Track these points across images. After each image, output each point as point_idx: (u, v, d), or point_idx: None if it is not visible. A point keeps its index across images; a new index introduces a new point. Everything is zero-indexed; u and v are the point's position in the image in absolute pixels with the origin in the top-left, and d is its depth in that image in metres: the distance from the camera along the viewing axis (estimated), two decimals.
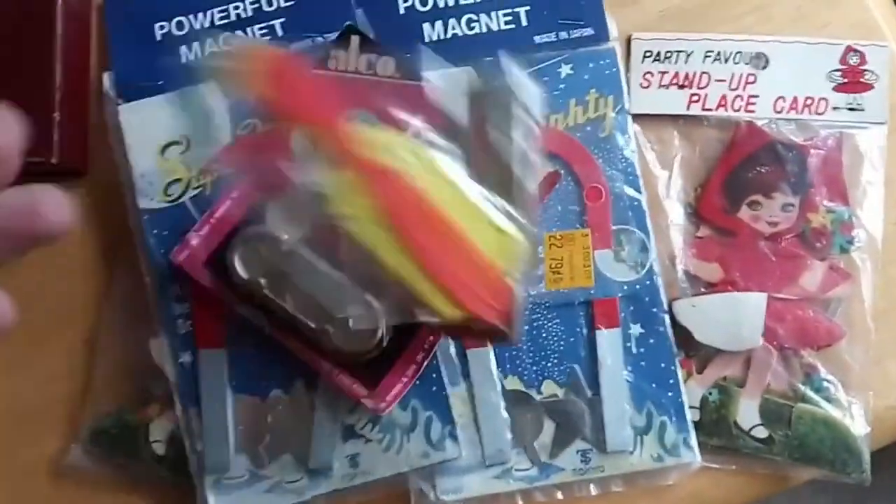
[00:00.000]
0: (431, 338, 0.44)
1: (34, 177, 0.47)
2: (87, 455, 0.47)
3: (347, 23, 0.47)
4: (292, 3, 0.48)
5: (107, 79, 0.48)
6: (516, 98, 0.39)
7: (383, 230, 0.36)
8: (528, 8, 0.48)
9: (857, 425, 0.45)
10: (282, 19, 0.48)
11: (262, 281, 0.42)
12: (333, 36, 0.47)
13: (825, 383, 0.46)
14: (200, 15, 0.48)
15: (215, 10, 0.48)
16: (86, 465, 0.47)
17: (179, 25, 0.48)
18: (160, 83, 0.48)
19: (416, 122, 0.40)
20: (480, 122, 0.39)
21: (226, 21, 0.48)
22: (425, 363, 0.44)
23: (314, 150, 0.37)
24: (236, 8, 0.48)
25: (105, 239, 0.49)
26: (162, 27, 0.48)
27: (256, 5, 0.48)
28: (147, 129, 0.47)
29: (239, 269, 0.43)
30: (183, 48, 0.48)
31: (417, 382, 0.44)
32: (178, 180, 0.47)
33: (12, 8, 0.46)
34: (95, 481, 0.47)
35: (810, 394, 0.46)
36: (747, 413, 0.46)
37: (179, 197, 0.46)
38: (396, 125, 0.40)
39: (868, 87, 0.48)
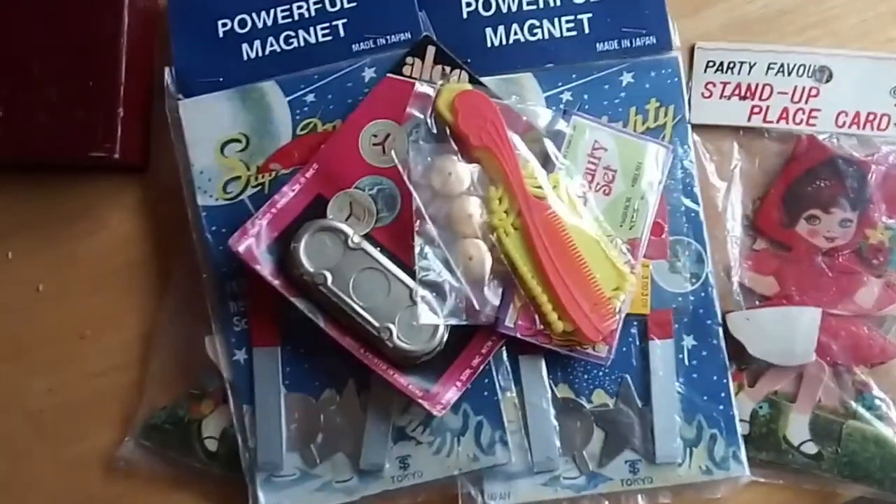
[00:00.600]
0: (489, 343, 0.45)
1: (95, 171, 0.49)
2: (139, 449, 0.48)
3: (425, 33, 0.48)
4: (355, 4, 0.49)
5: (168, 74, 0.49)
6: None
7: (524, 246, 0.44)
8: (590, 15, 0.49)
9: None
10: (344, 20, 0.49)
11: (327, 274, 0.43)
12: (396, 38, 0.48)
13: (877, 401, 0.46)
14: (263, 13, 0.49)
15: (278, 8, 0.49)
16: (138, 459, 0.48)
17: (242, 23, 0.49)
18: (221, 80, 0.49)
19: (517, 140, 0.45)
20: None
21: (289, 20, 0.49)
22: (480, 368, 0.45)
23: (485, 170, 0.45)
24: (299, 7, 0.49)
25: (164, 235, 0.50)
26: (224, 24, 0.49)
27: (319, 5, 0.49)
28: (207, 125, 0.48)
29: (304, 259, 0.44)
30: (245, 45, 0.49)
31: (469, 387, 0.45)
32: (236, 178, 0.48)
33: (80, 5, 0.47)
34: (147, 475, 0.48)
35: (862, 411, 0.46)
36: (797, 428, 0.46)
37: (238, 195, 0.48)
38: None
39: None
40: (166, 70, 0.49)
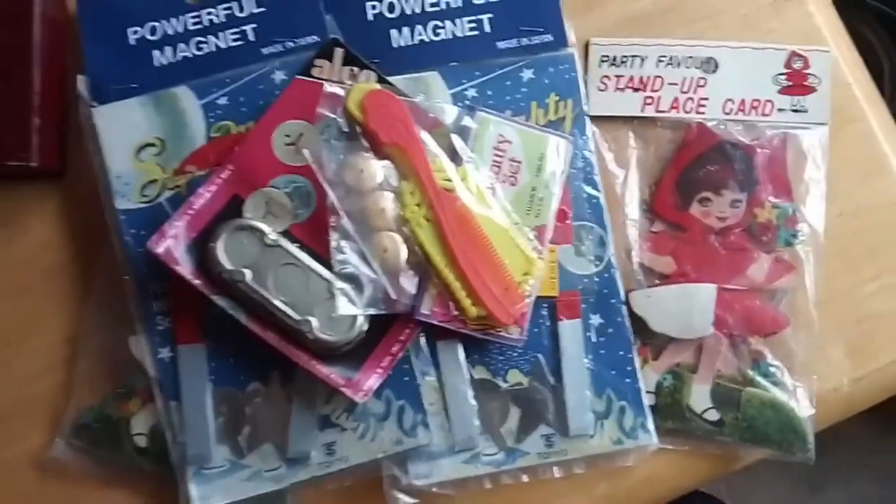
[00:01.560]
0: (407, 331, 0.48)
1: (13, 179, 0.51)
2: (70, 449, 0.50)
3: (333, 36, 0.50)
4: (264, 9, 0.51)
5: (81, 82, 0.50)
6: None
7: (436, 237, 0.47)
8: (490, 15, 0.52)
9: (802, 407, 0.50)
10: (254, 25, 0.51)
11: (246, 272, 0.46)
12: (304, 41, 0.51)
13: (772, 368, 0.50)
14: (173, 20, 0.51)
15: (188, 15, 0.51)
16: (69, 459, 0.50)
17: (153, 30, 0.51)
18: (134, 86, 0.50)
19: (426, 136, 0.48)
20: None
21: (199, 26, 0.51)
22: (399, 355, 0.48)
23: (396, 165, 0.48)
24: (209, 14, 0.51)
25: (84, 239, 0.52)
26: (135, 31, 0.51)
27: (228, 11, 0.51)
28: (122, 130, 0.50)
29: (223, 258, 0.46)
30: (156, 52, 0.51)
31: (391, 373, 0.48)
32: (153, 181, 0.50)
33: None
34: (79, 475, 0.50)
35: (758, 378, 0.50)
36: (699, 397, 0.50)
37: (156, 197, 0.49)
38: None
39: (811, 90, 0.52)
40: (79, 78, 0.50)
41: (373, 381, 0.48)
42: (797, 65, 0.52)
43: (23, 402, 0.51)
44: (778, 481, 1.21)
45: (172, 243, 0.47)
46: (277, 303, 0.46)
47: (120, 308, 0.50)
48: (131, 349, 0.49)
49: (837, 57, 0.54)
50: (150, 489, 0.50)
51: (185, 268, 0.47)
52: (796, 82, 0.52)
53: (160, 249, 0.47)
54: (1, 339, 0.51)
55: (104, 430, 0.50)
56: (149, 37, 0.51)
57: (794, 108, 0.52)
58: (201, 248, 0.47)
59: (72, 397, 0.50)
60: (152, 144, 0.50)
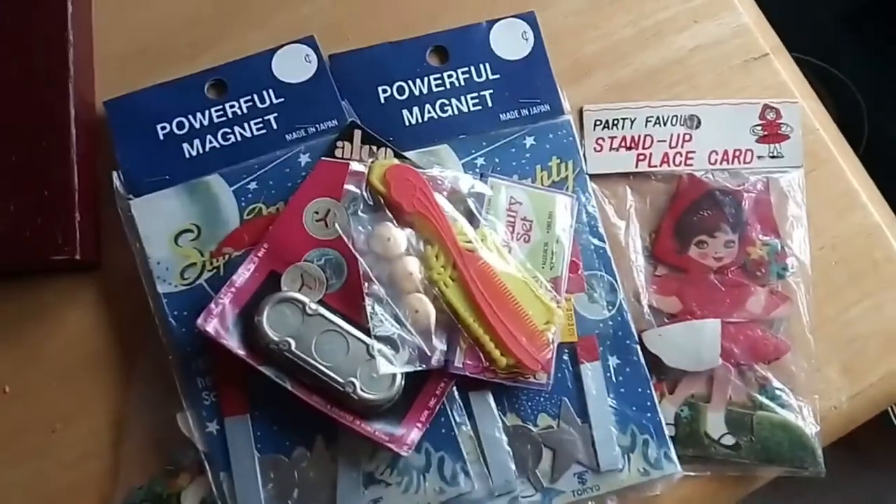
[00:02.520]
0: (442, 384, 0.52)
1: (52, 272, 0.55)
2: None
3: (351, 119, 0.55)
4: (283, 99, 0.56)
5: (116, 178, 0.55)
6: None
7: (463, 295, 0.52)
8: (491, 91, 0.58)
9: (809, 425, 0.55)
10: (275, 114, 0.56)
11: (290, 341, 0.50)
12: (324, 126, 0.56)
13: (778, 392, 0.55)
14: (199, 114, 0.56)
15: (212, 109, 0.56)
16: None
17: (180, 125, 0.56)
18: (167, 177, 0.55)
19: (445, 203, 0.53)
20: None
21: (223, 118, 0.56)
22: (437, 408, 0.52)
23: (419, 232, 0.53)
24: (232, 107, 0.56)
25: (122, 325, 0.55)
26: (163, 127, 0.56)
27: (250, 103, 0.56)
28: (159, 220, 0.54)
29: (269, 330, 0.50)
30: (185, 145, 0.56)
31: (429, 426, 0.52)
32: (192, 265, 0.54)
33: (29, 122, 0.53)
34: None
35: (766, 402, 0.55)
36: (715, 424, 0.55)
37: (195, 279, 0.53)
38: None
39: (785, 137, 0.59)
40: (114, 174, 0.55)
41: (415, 434, 0.51)
42: (770, 116, 0.59)
43: (71, 488, 0.53)
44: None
45: (219, 321, 0.51)
46: (322, 367, 0.50)
47: (163, 388, 0.53)
48: (179, 426, 0.53)
49: (804, 107, 0.60)
50: None
51: (232, 342, 0.51)
52: (771, 131, 0.59)
53: (209, 327, 0.51)
54: (46, 427, 0.54)
55: None
56: (177, 131, 0.56)
57: (772, 154, 0.59)
58: (246, 322, 0.51)
59: (119, 478, 0.53)
60: (189, 230, 0.54)
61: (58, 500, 0.53)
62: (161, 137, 0.56)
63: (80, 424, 0.54)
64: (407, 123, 0.57)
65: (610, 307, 0.56)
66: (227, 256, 0.54)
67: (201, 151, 0.56)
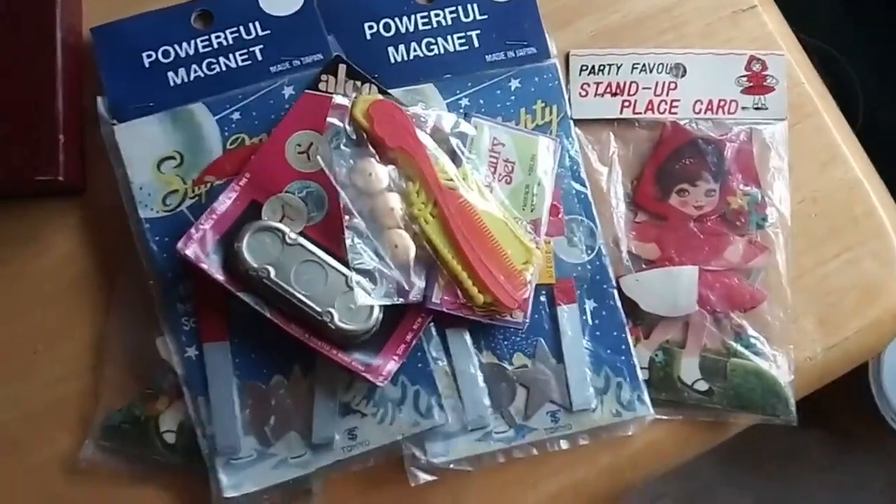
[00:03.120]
0: (419, 320, 0.53)
1: (37, 196, 0.56)
2: (99, 450, 0.53)
3: (336, 53, 0.56)
4: (269, 31, 0.57)
5: (101, 103, 0.55)
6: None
7: (442, 232, 0.52)
8: (479, 31, 0.58)
9: (782, 374, 0.56)
10: (261, 46, 0.57)
11: (270, 269, 0.51)
12: (309, 59, 0.57)
13: (752, 340, 0.56)
14: (184, 44, 0.57)
15: (198, 39, 0.57)
16: (99, 459, 0.53)
17: (165, 54, 0.56)
18: (151, 104, 0.56)
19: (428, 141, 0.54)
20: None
21: (209, 48, 0.57)
22: (413, 342, 0.53)
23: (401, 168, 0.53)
24: (217, 37, 0.57)
25: (104, 250, 0.56)
26: (149, 55, 0.56)
27: (236, 34, 0.57)
28: (142, 146, 0.55)
29: (248, 257, 0.51)
30: (170, 73, 0.56)
31: (406, 360, 0.53)
32: (174, 191, 0.54)
33: (15, 46, 0.54)
34: (109, 474, 0.53)
35: (741, 349, 0.56)
36: (689, 369, 0.56)
37: (177, 206, 0.54)
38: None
39: (770, 89, 0.60)
40: (99, 99, 0.55)
41: (391, 366, 0.52)
42: (756, 67, 0.60)
43: (51, 407, 0.54)
44: (741, 501, 1.27)
45: (198, 245, 0.52)
46: (300, 296, 0.51)
47: (144, 313, 0.54)
48: (158, 350, 0.54)
49: (790, 60, 0.61)
50: (179, 483, 0.53)
51: (211, 267, 0.52)
52: (756, 83, 0.60)
53: (188, 251, 0.51)
54: (28, 348, 0.55)
55: (133, 429, 0.53)
56: (162, 60, 0.56)
57: (756, 106, 0.59)
58: (226, 248, 0.52)
59: (100, 400, 0.54)
60: (172, 157, 0.55)
61: (39, 420, 0.54)
62: (146, 65, 0.56)
63: (62, 346, 0.55)
64: (392, 61, 0.58)
65: (589, 251, 0.57)
66: (209, 185, 0.55)
67: (186, 80, 0.56)
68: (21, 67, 0.54)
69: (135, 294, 0.55)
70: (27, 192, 0.55)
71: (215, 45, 0.57)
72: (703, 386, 0.56)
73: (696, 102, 0.59)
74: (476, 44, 0.58)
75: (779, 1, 0.65)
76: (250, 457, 0.53)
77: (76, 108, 0.56)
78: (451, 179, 0.53)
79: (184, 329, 0.53)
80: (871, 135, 0.68)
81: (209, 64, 0.57)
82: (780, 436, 1.12)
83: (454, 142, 0.55)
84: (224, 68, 0.57)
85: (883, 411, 1.06)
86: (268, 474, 0.53)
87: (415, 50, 0.58)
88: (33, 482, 0.53)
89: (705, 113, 0.59)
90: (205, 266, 0.52)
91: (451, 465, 0.53)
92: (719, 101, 0.59)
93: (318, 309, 0.51)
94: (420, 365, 0.54)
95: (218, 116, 0.56)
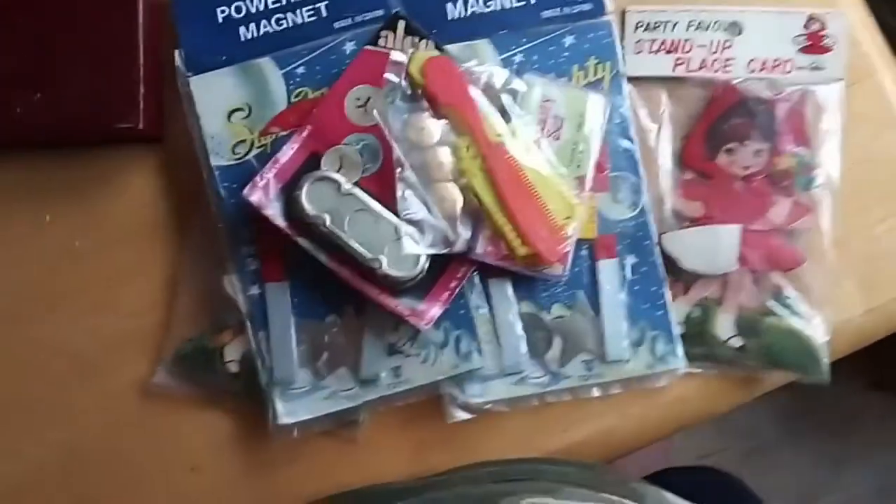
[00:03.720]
0: (463, 269, 0.57)
1: (120, 142, 0.61)
2: (170, 375, 0.59)
3: (395, 9, 0.59)
4: None
5: (178, 56, 0.60)
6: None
7: (489, 186, 0.55)
8: None
9: (818, 335, 0.57)
10: (326, 2, 0.60)
11: (326, 216, 0.55)
12: (370, 15, 0.60)
13: (790, 300, 0.58)
14: (256, 0, 0.61)
15: None
16: (170, 384, 0.59)
17: (238, 9, 0.60)
18: (223, 58, 0.60)
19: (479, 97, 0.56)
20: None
21: (278, 4, 0.60)
22: (457, 290, 0.57)
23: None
24: None
25: (179, 195, 0.61)
26: (223, 11, 0.60)
27: None
28: (214, 97, 0.59)
29: (306, 205, 0.55)
30: (241, 28, 0.60)
31: (449, 306, 0.57)
32: (242, 141, 0.59)
33: (99, 3, 0.59)
34: (179, 398, 0.60)
35: (778, 309, 0.58)
36: (724, 326, 0.58)
37: (245, 155, 0.59)
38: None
39: (828, 49, 0.60)
40: (176, 52, 0.59)
41: (434, 311, 0.56)
42: (814, 26, 0.60)
43: (127, 336, 0.60)
44: (798, 459, 1.27)
45: (263, 192, 0.56)
46: (352, 243, 0.55)
47: (213, 253, 0.59)
48: (225, 288, 0.59)
49: (851, 19, 0.60)
50: (240, 409, 0.59)
51: (274, 213, 0.56)
52: (814, 42, 0.60)
53: (253, 198, 0.56)
54: (106, 282, 0.61)
55: (201, 358, 0.59)
56: (234, 15, 0.60)
57: (813, 66, 0.59)
58: (287, 196, 0.56)
59: (171, 331, 0.60)
60: (241, 109, 0.59)
61: (118, 347, 0.61)
62: (220, 20, 0.60)
63: (138, 282, 0.61)
64: (450, 17, 0.60)
65: (633, 208, 0.59)
66: (274, 135, 0.59)
67: (256, 35, 0.60)
68: (105, 23, 0.59)
69: (206, 236, 0.60)
70: (110, 139, 0.61)
71: (283, 1, 0.60)
72: (737, 342, 0.58)
73: (750, 61, 0.60)
74: (532, 0, 0.60)
75: None
76: (304, 388, 0.58)
77: (156, 61, 0.61)
78: (500, 135, 0.56)
79: (248, 269, 0.58)
80: None
81: (277, 19, 0.60)
82: (842, 397, 1.12)
83: (505, 98, 0.57)
84: (291, 24, 0.60)
85: None
86: (319, 404, 0.58)
87: (472, 6, 0.60)
88: (111, 404, 0.60)
89: (760, 72, 0.60)
90: (267, 212, 0.56)
91: (488, 406, 0.58)
92: (774, 60, 0.60)
93: (369, 255, 0.55)
94: (462, 311, 0.58)
95: (284, 70, 0.59)
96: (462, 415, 0.57)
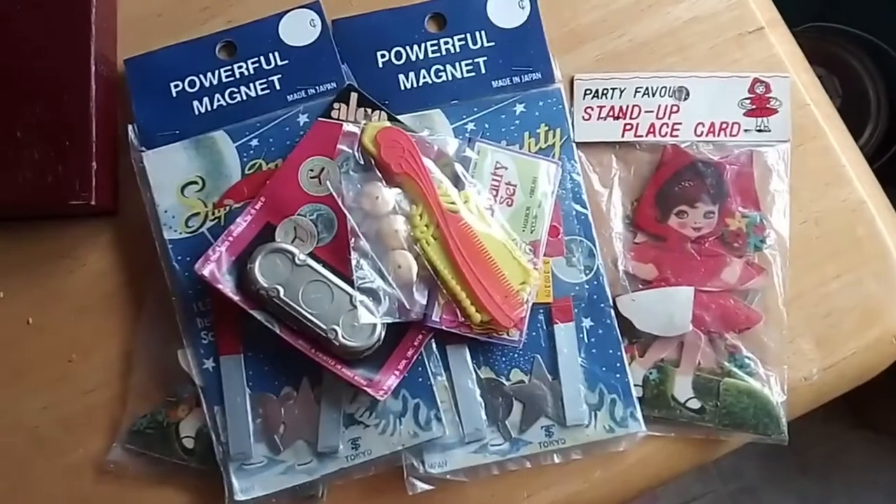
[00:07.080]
0: (420, 337, 0.57)
1: (73, 217, 0.61)
2: (125, 452, 0.59)
3: (348, 82, 0.60)
4: (287, 61, 0.61)
5: (131, 130, 0.61)
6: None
7: (443, 253, 0.56)
8: (485, 58, 0.62)
9: (775, 394, 0.58)
10: (279, 75, 0.61)
11: (279, 288, 0.55)
12: (323, 87, 0.61)
13: (747, 360, 0.58)
14: (209, 74, 0.61)
15: (221, 69, 0.61)
16: (125, 461, 0.59)
17: (191, 83, 0.61)
18: (177, 132, 0.61)
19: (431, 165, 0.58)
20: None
21: (231, 78, 0.61)
22: (414, 358, 0.57)
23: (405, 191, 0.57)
24: (239, 67, 0.61)
25: (134, 268, 0.61)
26: (176, 85, 0.61)
27: (257, 64, 0.61)
28: (168, 171, 0.60)
29: (259, 277, 0.56)
30: (195, 102, 0.61)
31: (407, 374, 0.57)
32: (196, 214, 0.59)
33: (53, 77, 0.59)
34: (134, 475, 0.59)
35: (734, 369, 0.58)
36: (682, 388, 0.58)
37: (199, 228, 0.59)
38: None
39: (773, 111, 0.61)
40: (129, 127, 0.60)
41: (391, 381, 0.56)
42: (760, 90, 0.61)
43: (84, 412, 0.60)
44: (783, 500, 1.28)
45: (215, 266, 0.57)
46: (307, 314, 0.56)
47: (168, 326, 0.59)
48: (180, 362, 0.59)
49: (796, 81, 0.62)
50: (196, 485, 0.59)
51: (226, 286, 0.57)
52: (759, 105, 0.61)
53: (205, 272, 0.56)
54: (64, 357, 0.60)
55: (156, 434, 0.59)
56: (188, 89, 0.61)
57: (759, 128, 0.61)
58: (240, 269, 0.57)
59: (127, 406, 0.59)
60: (195, 182, 0.60)
61: (74, 424, 0.60)
62: (174, 95, 0.61)
63: (94, 356, 0.61)
64: (402, 87, 0.61)
65: (587, 271, 0.60)
66: (228, 208, 0.59)
67: (209, 109, 0.61)
68: (59, 97, 0.59)
69: (160, 309, 0.60)
70: (64, 215, 0.61)
71: (237, 75, 0.61)
72: (695, 404, 0.58)
73: (698, 125, 0.61)
74: (483, 70, 0.62)
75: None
76: (261, 463, 0.58)
77: (109, 136, 0.61)
78: (454, 203, 0.57)
79: (202, 342, 0.58)
80: None
81: (231, 93, 0.61)
82: (827, 438, 1.13)
83: (458, 166, 0.58)
84: (244, 97, 0.61)
85: None
86: (276, 479, 0.57)
87: (424, 77, 0.62)
88: (68, 482, 0.59)
89: (707, 135, 0.61)
90: (219, 286, 0.57)
91: (448, 476, 0.57)
92: (721, 123, 0.61)
93: (324, 326, 0.56)
94: (420, 379, 0.58)
95: (238, 143, 0.60)
96: (423, 486, 0.57)
